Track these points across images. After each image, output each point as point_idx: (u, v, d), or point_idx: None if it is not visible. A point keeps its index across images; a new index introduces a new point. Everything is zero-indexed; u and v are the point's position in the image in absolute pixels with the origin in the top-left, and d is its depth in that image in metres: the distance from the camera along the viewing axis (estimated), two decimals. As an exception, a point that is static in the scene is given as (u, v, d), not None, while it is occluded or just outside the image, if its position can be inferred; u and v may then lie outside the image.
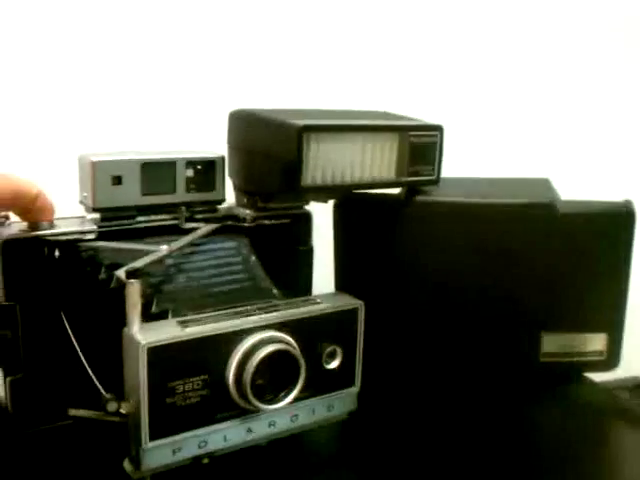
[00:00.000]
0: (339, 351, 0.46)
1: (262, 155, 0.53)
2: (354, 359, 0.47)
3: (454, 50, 0.86)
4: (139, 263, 0.45)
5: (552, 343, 0.59)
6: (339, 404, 0.48)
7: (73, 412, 0.45)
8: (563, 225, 0.57)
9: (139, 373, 0.39)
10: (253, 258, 0.52)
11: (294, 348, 0.43)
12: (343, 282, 0.61)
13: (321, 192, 0.55)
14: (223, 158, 0.54)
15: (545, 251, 0.57)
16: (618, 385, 0.75)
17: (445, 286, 0.58)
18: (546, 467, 0.49)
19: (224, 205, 0.55)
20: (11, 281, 0.47)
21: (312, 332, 0.45)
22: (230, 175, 0.56)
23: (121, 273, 0.44)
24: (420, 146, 0.56)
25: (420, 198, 0.58)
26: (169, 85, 0.74)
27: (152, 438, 0.40)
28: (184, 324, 0.41)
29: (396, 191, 0.59)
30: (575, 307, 0.59)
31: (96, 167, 0.49)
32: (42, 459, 0.47)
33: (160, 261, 0.48)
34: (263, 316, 0.43)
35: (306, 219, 0.58)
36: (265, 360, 0.42)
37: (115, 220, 0.50)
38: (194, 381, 0.41)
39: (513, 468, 0.49)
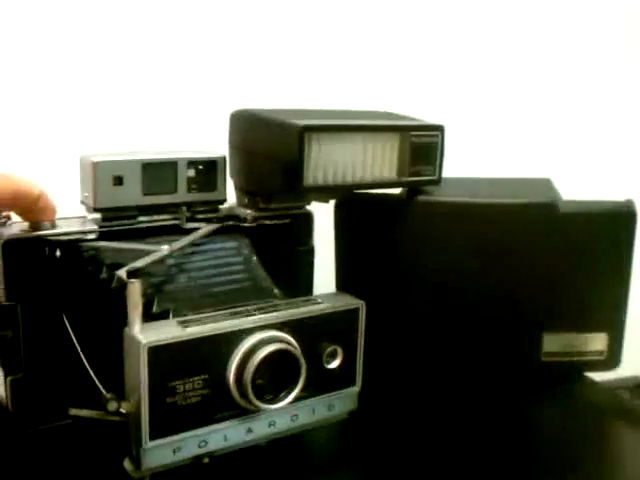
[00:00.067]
0: (340, 351, 0.46)
1: (263, 155, 0.53)
2: (355, 359, 0.47)
3: (455, 50, 0.86)
4: (140, 263, 0.45)
5: (553, 343, 0.59)
6: (339, 404, 0.48)
7: (73, 412, 0.45)
8: (564, 225, 0.57)
9: (140, 373, 0.39)
10: (254, 258, 0.52)
11: (295, 348, 0.43)
12: (344, 282, 0.61)
13: (322, 192, 0.56)
14: (224, 158, 0.54)
15: (546, 251, 0.57)
16: (618, 385, 0.75)
17: (446, 286, 0.58)
18: (547, 467, 0.49)
19: (225, 205, 0.55)
20: (12, 281, 0.47)
21: (313, 332, 0.45)
22: (231, 175, 0.56)
23: (122, 273, 0.44)
24: (421, 146, 0.56)
25: (421, 198, 0.58)
26: (170, 85, 0.74)
27: (152, 438, 0.40)
28: (185, 324, 0.41)
29: (397, 191, 0.59)
30: (576, 307, 0.59)
31: (97, 167, 0.49)
32: (42, 459, 0.47)
33: (161, 261, 0.48)
34: (264, 316, 0.43)
35: (307, 219, 0.58)
36: (266, 360, 0.42)
37: (116, 220, 0.50)
38: (194, 381, 0.41)
39: (514, 467, 0.49)
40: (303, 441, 0.49)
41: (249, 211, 0.55)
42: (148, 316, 0.43)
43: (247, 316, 0.43)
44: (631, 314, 0.60)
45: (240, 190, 0.57)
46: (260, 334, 0.42)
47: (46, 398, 0.49)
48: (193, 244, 0.50)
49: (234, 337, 0.42)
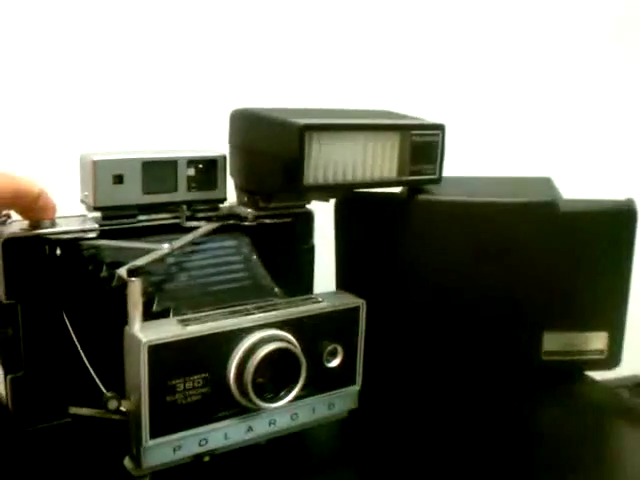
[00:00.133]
0: (340, 350, 0.46)
1: (263, 154, 0.53)
2: (355, 358, 0.47)
3: (456, 49, 0.86)
4: (140, 261, 0.45)
5: (553, 342, 0.59)
6: (340, 402, 0.48)
7: (74, 410, 0.45)
8: (565, 224, 0.57)
9: (140, 371, 0.39)
10: (254, 257, 0.52)
11: (295, 346, 0.43)
12: (344, 281, 0.61)
13: (323, 191, 0.55)
14: (224, 157, 0.54)
15: (546, 250, 0.57)
16: (618, 384, 0.75)
17: (446, 285, 0.58)
18: (547, 465, 0.49)
19: (225, 204, 0.55)
20: (12, 279, 0.47)
21: (313, 331, 0.45)
22: (231, 174, 0.56)
23: (122, 271, 0.44)
24: (422, 145, 0.56)
25: (422, 197, 0.58)
26: (170, 84, 0.74)
27: (153, 436, 0.40)
28: (185, 322, 0.41)
29: (398, 190, 0.59)
30: (576, 306, 0.59)
31: (97, 166, 0.49)
32: (43, 457, 0.47)
33: (161, 260, 0.48)
34: (264, 315, 0.43)
35: (307, 218, 0.58)
36: (266, 358, 0.42)
37: (116, 219, 0.50)
38: (195, 379, 0.41)
39: (514, 466, 0.49)
40: (303, 440, 0.49)
41: (249, 210, 0.55)
42: (148, 315, 0.43)
43: (247, 315, 0.43)
44: (631, 313, 0.60)
45: (240, 189, 0.57)
46: (260, 333, 0.42)
47: (46, 396, 0.49)
48: (193, 243, 0.50)
49: (234, 336, 0.42)
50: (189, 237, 0.50)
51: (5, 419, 0.49)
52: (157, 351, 0.39)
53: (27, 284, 0.48)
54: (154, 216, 0.52)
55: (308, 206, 0.58)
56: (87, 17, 0.70)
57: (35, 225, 0.48)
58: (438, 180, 0.58)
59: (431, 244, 0.58)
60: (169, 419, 0.40)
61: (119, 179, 0.50)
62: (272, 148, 0.53)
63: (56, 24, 0.69)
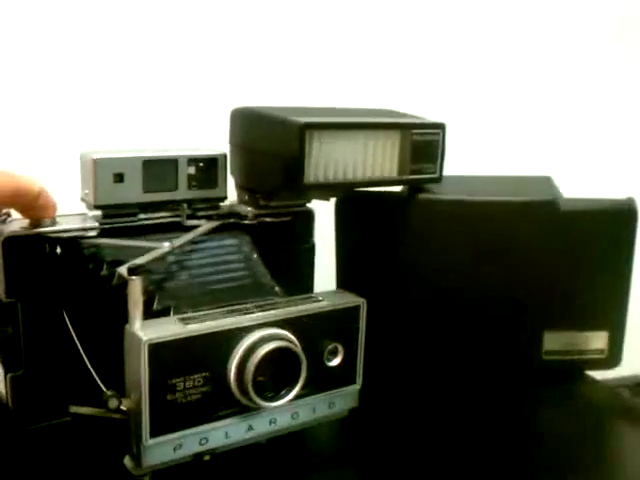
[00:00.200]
0: (340, 349, 0.46)
1: (264, 153, 0.53)
2: (355, 357, 0.47)
3: (457, 48, 0.86)
4: (141, 260, 0.45)
5: (554, 341, 0.59)
6: (340, 402, 0.48)
7: (74, 409, 0.45)
8: (565, 223, 0.57)
9: (140, 370, 0.39)
10: (255, 256, 0.52)
11: (295, 345, 0.43)
12: (345, 280, 0.61)
13: (323, 190, 0.55)
14: (225, 155, 0.54)
15: (547, 249, 0.57)
16: (618, 383, 0.75)
17: (447, 284, 0.58)
18: (547, 465, 0.49)
19: (226, 203, 0.55)
20: (12, 278, 0.47)
21: (314, 329, 0.45)
22: (232, 173, 0.56)
23: (123, 270, 0.43)
24: (422, 144, 0.56)
25: (422, 196, 0.58)
26: (171, 83, 0.74)
27: (153, 435, 0.40)
28: (186, 321, 0.41)
29: (398, 189, 0.59)
30: (577, 305, 0.59)
31: (98, 164, 0.49)
32: (42, 456, 0.47)
33: (162, 258, 0.47)
34: (264, 313, 0.43)
35: (308, 217, 0.58)
36: (266, 357, 0.42)
37: (117, 217, 0.50)
38: (195, 378, 0.41)
39: (514, 466, 0.49)
40: (303, 439, 0.49)
41: (250, 209, 0.55)
42: (149, 313, 0.43)
43: (248, 314, 0.43)
44: (632, 313, 0.60)
45: (241, 187, 0.57)
46: (261, 332, 0.42)
47: (46, 395, 0.49)
48: (194, 241, 0.50)
49: (235, 334, 0.42)
50: (189, 236, 0.50)
51: (5, 418, 0.49)
52: (157, 350, 0.39)
53: (27, 283, 0.47)
54: (154, 215, 0.52)
55: (308, 205, 0.58)
56: (88, 16, 0.70)
57: (35, 224, 0.48)
58: (439, 179, 0.58)
59: (431, 243, 0.58)
60: (169, 418, 0.40)
61: (119, 177, 0.50)
62: (272, 147, 0.53)
63: (57, 22, 0.69)
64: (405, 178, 0.57)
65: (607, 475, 0.50)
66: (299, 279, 0.57)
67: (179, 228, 0.52)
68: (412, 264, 0.59)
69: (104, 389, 0.43)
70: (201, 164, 0.53)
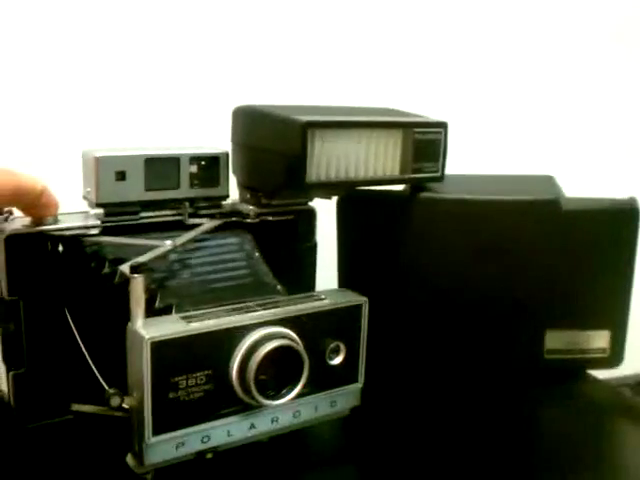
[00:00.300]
0: (342, 347, 0.46)
1: (266, 151, 0.53)
2: (357, 355, 0.47)
3: (459, 48, 0.86)
4: (143, 258, 0.45)
5: (556, 340, 0.59)
6: (342, 400, 0.48)
7: (76, 407, 0.45)
8: (567, 222, 0.57)
9: (143, 368, 0.39)
10: (256, 254, 0.52)
11: (297, 344, 0.43)
12: (346, 278, 0.61)
13: (325, 188, 0.55)
14: (227, 154, 0.54)
15: (549, 248, 0.57)
16: (620, 382, 0.75)
17: (449, 283, 0.58)
18: (549, 464, 0.49)
19: (228, 201, 0.55)
20: (15, 276, 0.47)
21: (316, 328, 0.45)
22: (234, 171, 0.56)
23: (125, 268, 0.43)
24: (424, 143, 0.56)
25: (424, 195, 0.58)
26: (173, 81, 0.74)
27: (155, 433, 0.40)
28: (188, 319, 0.41)
29: (400, 188, 0.59)
30: (578, 304, 0.59)
31: (100, 162, 0.49)
32: (44, 454, 0.47)
33: (164, 257, 0.47)
34: (266, 312, 0.43)
35: (310, 215, 0.58)
36: (268, 355, 0.42)
37: (119, 215, 0.50)
38: (197, 376, 0.41)
39: (517, 465, 0.49)
40: (305, 437, 0.49)
41: (252, 207, 0.55)
42: (151, 311, 0.43)
43: (250, 312, 0.43)
44: (633, 312, 0.60)
45: (243, 186, 0.57)
46: (263, 330, 0.42)
47: (48, 393, 0.49)
48: (196, 240, 0.50)
49: (237, 333, 0.42)
50: (191, 234, 0.50)
51: (7, 415, 0.49)
52: (160, 348, 0.39)
53: (29, 281, 0.47)
54: (156, 213, 0.52)
55: (310, 204, 0.58)
56: (90, 14, 0.70)
57: (37, 222, 0.48)
58: (440, 178, 0.58)
59: (433, 242, 0.58)
60: (172, 416, 0.40)
61: (122, 176, 0.50)
62: (275, 145, 0.52)
63: (59, 21, 0.69)
64: (407, 177, 0.57)
65: (609, 474, 0.50)
66: (301, 278, 0.57)
67: (181, 226, 0.52)
68: (414, 263, 0.59)
69: (106, 387, 0.43)
70: (203, 162, 0.53)
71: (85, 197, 0.51)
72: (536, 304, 0.58)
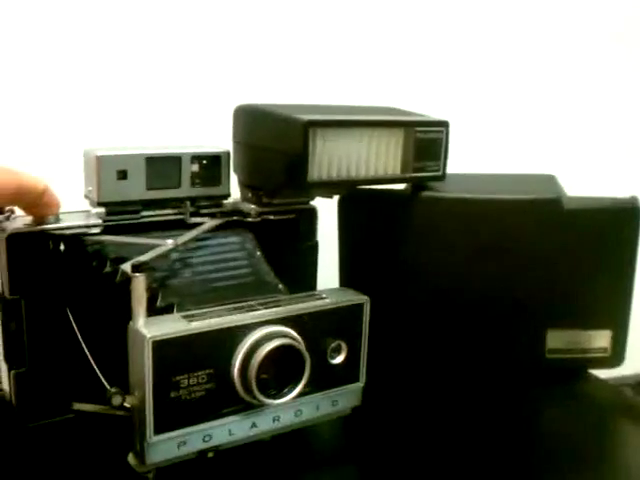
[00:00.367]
0: (344, 346, 0.46)
1: (267, 150, 0.53)
2: (359, 355, 0.47)
3: (460, 47, 0.86)
4: (145, 257, 0.45)
5: (557, 340, 0.59)
6: (343, 399, 0.48)
7: (77, 406, 0.45)
8: (569, 221, 0.57)
9: (144, 367, 0.39)
10: (258, 253, 0.52)
11: (299, 343, 0.43)
12: (347, 277, 0.61)
13: (326, 187, 0.55)
14: (228, 153, 0.54)
15: (550, 247, 0.57)
16: (621, 382, 0.75)
17: (450, 282, 0.58)
18: (550, 463, 0.49)
19: (229, 200, 0.55)
20: (16, 275, 0.47)
21: (317, 327, 0.45)
22: (235, 170, 0.56)
23: (127, 267, 0.43)
24: (426, 142, 0.56)
25: (425, 194, 0.58)
26: (174, 80, 0.74)
27: (157, 432, 0.40)
28: (189, 318, 0.41)
29: (401, 187, 0.59)
30: (580, 303, 0.59)
31: (101, 161, 0.49)
32: (46, 453, 0.47)
33: (165, 256, 0.47)
34: (268, 311, 0.43)
35: (311, 214, 0.58)
36: (270, 355, 0.42)
37: (120, 214, 0.50)
38: (199, 375, 0.41)
39: (518, 464, 0.49)
40: (307, 436, 0.49)
41: (253, 206, 0.55)
42: (152, 310, 0.43)
43: (251, 311, 0.43)
44: (635, 311, 0.60)
45: (244, 185, 0.57)
46: (264, 329, 0.42)
47: (50, 392, 0.49)
48: (197, 239, 0.50)
49: (238, 332, 0.42)
50: (193, 233, 0.50)
51: (8, 414, 0.49)
52: (161, 347, 0.39)
53: (31, 279, 0.47)
54: (158, 212, 0.52)
55: (312, 203, 0.58)
56: (92, 14, 0.70)
57: (39, 221, 0.48)
58: (442, 177, 0.58)
59: (434, 241, 0.58)
60: (173, 415, 0.40)
61: (123, 174, 0.50)
62: (276, 144, 0.52)
63: (60, 19, 0.69)
64: (408, 176, 0.56)
65: (610, 473, 0.50)
66: (302, 277, 0.57)
67: (182, 225, 0.52)
68: (415, 262, 0.59)
69: (107, 386, 0.43)
70: (204, 161, 0.53)
71: (86, 196, 0.51)
72: (537, 303, 0.58)
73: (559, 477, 0.48)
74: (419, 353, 0.60)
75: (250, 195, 0.56)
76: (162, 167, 0.51)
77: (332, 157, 0.52)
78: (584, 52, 0.92)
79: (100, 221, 0.50)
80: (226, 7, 0.75)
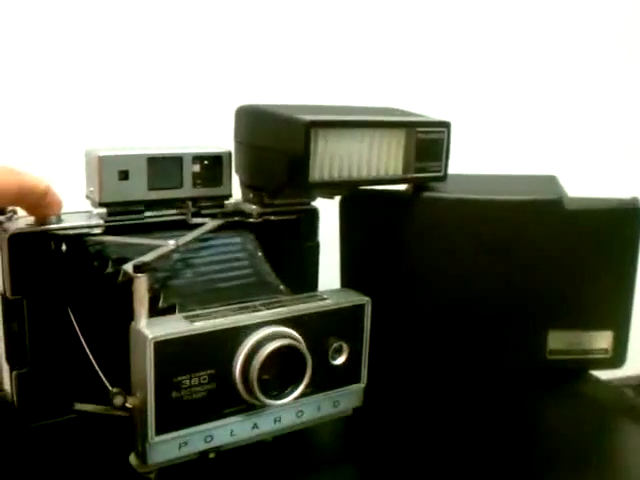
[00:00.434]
0: (345, 347, 0.46)
1: (269, 150, 0.53)
2: (360, 355, 0.47)
3: (462, 48, 0.86)
4: (146, 258, 0.45)
5: (558, 340, 0.59)
6: (345, 400, 0.48)
7: (79, 406, 0.45)
8: (570, 222, 0.57)
9: (146, 367, 0.39)
10: (259, 254, 0.52)
11: (300, 343, 0.43)
12: (349, 278, 0.61)
13: (328, 188, 0.55)
14: (230, 153, 0.54)
15: (551, 248, 0.57)
16: (622, 383, 0.75)
17: (451, 283, 0.58)
18: (551, 464, 0.49)
19: (231, 200, 0.55)
20: (18, 275, 0.47)
21: (319, 328, 0.45)
22: (236, 170, 0.56)
23: (129, 267, 0.43)
24: (427, 142, 0.56)
25: (427, 194, 0.58)
26: (176, 80, 0.74)
27: (158, 432, 0.40)
28: (191, 319, 0.41)
29: (403, 187, 0.59)
30: (581, 304, 0.59)
31: (103, 162, 0.49)
32: (47, 453, 0.47)
33: (167, 256, 0.47)
34: (269, 311, 0.43)
35: (312, 215, 0.58)
36: (272, 355, 0.41)
37: (122, 215, 0.50)
38: (201, 376, 0.41)
39: (519, 465, 0.49)
40: (308, 437, 0.49)
41: (254, 207, 0.55)
42: (154, 311, 0.43)
43: (253, 311, 0.43)
44: (636, 312, 0.60)
45: (245, 185, 0.57)
46: (266, 329, 0.42)
47: (51, 393, 0.49)
48: (198, 239, 0.50)
49: (240, 332, 0.42)
50: (194, 233, 0.50)
51: (10, 415, 0.49)
52: (163, 347, 0.39)
53: (33, 280, 0.47)
54: (159, 212, 0.52)
55: (313, 203, 0.58)
56: (93, 13, 0.70)
57: (41, 221, 0.48)
58: (443, 178, 0.58)
59: (436, 242, 0.58)
60: (175, 415, 0.40)
61: (124, 175, 0.50)
62: (277, 144, 0.52)
63: (62, 19, 0.69)
64: (410, 176, 0.57)
65: (611, 474, 0.50)
66: (304, 277, 0.57)
67: (184, 226, 0.52)
68: (416, 263, 0.59)
69: (109, 387, 0.43)
70: (206, 162, 0.53)
71: (88, 196, 0.51)
72: (538, 304, 0.58)
73: (560, 478, 0.48)
74: (420, 353, 0.60)
75: (251, 195, 0.56)
76: (164, 167, 0.51)
77: (333, 157, 0.52)
78: (585, 53, 0.92)
79: (102, 221, 0.50)
80: (228, 8, 0.75)
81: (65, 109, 0.70)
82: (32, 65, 0.69)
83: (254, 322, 0.42)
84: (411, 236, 0.59)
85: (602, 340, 0.60)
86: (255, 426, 0.44)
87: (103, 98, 0.71)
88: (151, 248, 0.47)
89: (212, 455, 0.43)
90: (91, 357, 0.46)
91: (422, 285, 0.59)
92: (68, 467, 0.46)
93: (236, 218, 0.55)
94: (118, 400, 0.40)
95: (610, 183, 0.71)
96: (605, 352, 0.60)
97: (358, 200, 0.60)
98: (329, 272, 0.60)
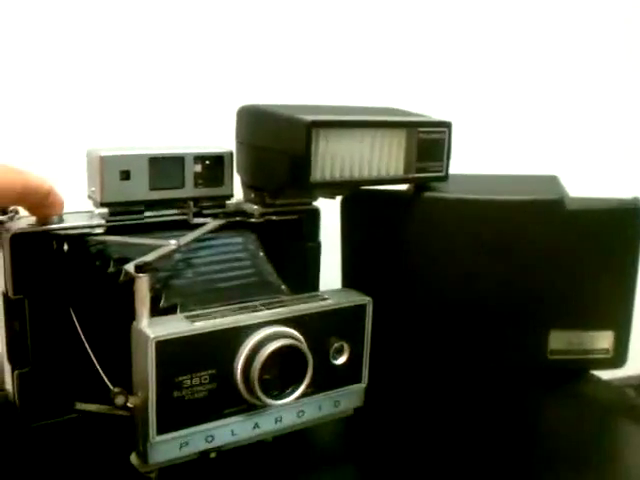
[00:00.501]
0: (346, 347, 0.46)
1: (270, 151, 0.53)
2: (361, 355, 0.47)
3: (463, 48, 0.86)
4: (148, 257, 0.45)
5: (559, 340, 0.59)
6: (346, 400, 0.48)
7: (80, 406, 0.45)
8: (571, 222, 0.57)
9: (147, 367, 0.39)
10: (261, 254, 0.52)
11: (302, 343, 0.43)
12: (350, 278, 0.61)
13: (329, 188, 0.56)
14: (231, 153, 0.54)
15: (552, 248, 0.57)
16: (623, 383, 0.75)
17: (452, 283, 0.58)
18: (552, 464, 0.49)
19: (232, 201, 0.55)
20: (20, 275, 0.47)
21: (320, 328, 0.45)
22: (238, 171, 0.56)
23: (130, 267, 0.43)
24: (428, 142, 0.56)
25: (428, 194, 0.58)
26: (177, 80, 0.74)
27: (159, 432, 0.40)
28: (192, 319, 0.41)
29: (404, 187, 0.59)
30: (582, 304, 0.59)
31: (104, 162, 0.49)
32: (49, 453, 0.47)
33: (168, 256, 0.48)
34: (271, 311, 0.43)
35: (314, 215, 0.58)
36: (273, 355, 0.42)
37: (123, 215, 0.50)
38: (202, 375, 0.41)
39: (520, 465, 0.49)
40: (309, 437, 0.49)
41: (256, 207, 0.55)
42: (156, 311, 0.43)
43: (254, 311, 0.43)
44: (637, 312, 0.60)
45: (247, 185, 0.57)
46: (267, 329, 0.42)
47: (53, 392, 0.49)
48: (200, 239, 0.50)
49: (241, 332, 0.42)
50: (196, 233, 0.50)
51: (12, 414, 0.49)
52: (165, 347, 0.39)
53: (34, 279, 0.48)
54: (161, 212, 0.52)
55: (315, 203, 0.58)
56: (94, 13, 0.70)
57: (43, 221, 0.48)
58: (444, 178, 0.58)
59: (437, 242, 0.58)
60: (176, 415, 0.40)
61: (126, 175, 0.50)
62: (279, 144, 0.53)
63: (63, 19, 0.69)
64: (411, 176, 0.57)
65: (612, 474, 0.50)
66: (305, 277, 0.57)
67: (185, 226, 0.52)
68: (417, 263, 0.59)
69: (111, 386, 0.43)
70: (207, 162, 0.53)
71: (90, 196, 0.51)
72: (539, 304, 0.58)
73: (561, 478, 0.48)
74: (421, 353, 0.60)
75: (253, 195, 0.56)
76: (165, 167, 0.51)
77: (335, 158, 0.52)
78: (586, 53, 0.92)
79: (103, 221, 0.50)
80: (229, 8, 0.75)
81: (67, 109, 0.70)
82: (34, 66, 0.69)
83: (255, 322, 0.42)
84: (412, 236, 0.59)
85: (603, 340, 0.60)
86: (256, 426, 0.44)
87: (105, 98, 0.71)
88: (152, 248, 0.47)
89: (213, 455, 0.43)
90: (92, 357, 0.46)
91: (423, 285, 0.59)
92: (69, 467, 0.46)
93: (237, 218, 0.55)
94: (119, 400, 0.40)
95: (611, 183, 0.71)
96: (606, 352, 0.60)
97: (359, 200, 0.60)
98: (330, 272, 0.60)
